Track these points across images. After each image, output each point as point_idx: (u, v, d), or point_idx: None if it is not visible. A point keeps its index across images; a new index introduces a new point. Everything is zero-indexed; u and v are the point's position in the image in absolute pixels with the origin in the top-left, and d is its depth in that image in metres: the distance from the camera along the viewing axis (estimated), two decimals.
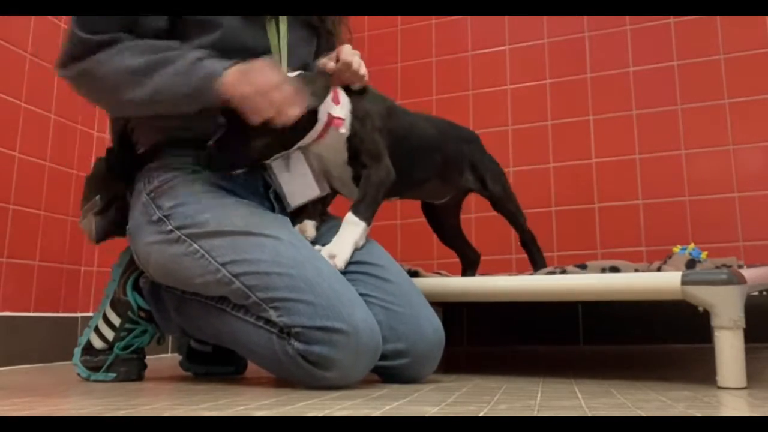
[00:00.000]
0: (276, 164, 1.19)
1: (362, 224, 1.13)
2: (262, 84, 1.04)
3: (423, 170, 1.35)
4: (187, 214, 1.11)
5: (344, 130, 1.15)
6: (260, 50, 1.19)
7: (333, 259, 1.09)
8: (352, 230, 1.13)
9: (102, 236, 1.24)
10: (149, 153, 1.21)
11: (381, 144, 1.19)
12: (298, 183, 1.19)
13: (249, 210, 1.13)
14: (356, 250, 1.13)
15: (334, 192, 1.29)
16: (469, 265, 1.59)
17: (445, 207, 1.52)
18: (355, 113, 1.17)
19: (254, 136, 1.08)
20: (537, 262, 1.49)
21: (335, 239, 1.13)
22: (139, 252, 1.17)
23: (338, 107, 1.15)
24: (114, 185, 1.23)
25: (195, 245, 1.08)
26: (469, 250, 1.59)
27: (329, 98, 1.14)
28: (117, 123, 1.26)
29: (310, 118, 1.11)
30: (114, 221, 1.23)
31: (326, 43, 1.38)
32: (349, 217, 1.14)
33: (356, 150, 1.17)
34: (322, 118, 1.14)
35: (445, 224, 1.56)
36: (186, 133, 1.19)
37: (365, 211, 1.14)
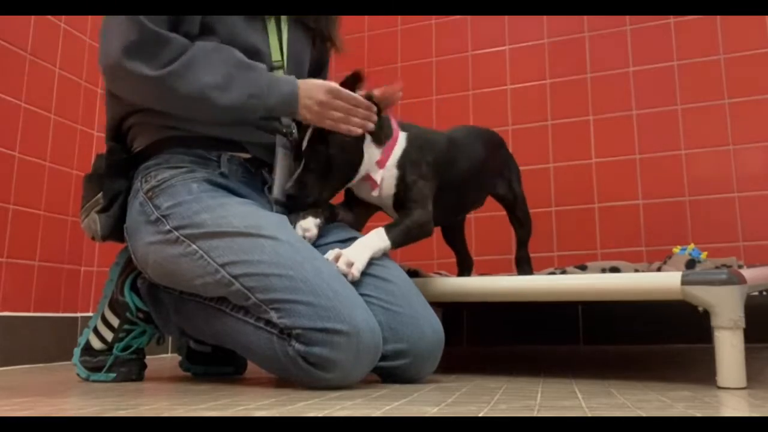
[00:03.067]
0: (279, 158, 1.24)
1: (387, 243, 1.13)
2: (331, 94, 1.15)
3: (475, 194, 1.40)
4: (185, 214, 1.11)
5: (376, 193, 1.20)
6: (262, 50, 1.22)
7: (350, 268, 1.07)
8: (376, 244, 1.12)
9: (108, 233, 1.22)
10: (146, 151, 1.21)
11: (427, 191, 1.21)
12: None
13: (247, 210, 1.12)
14: None
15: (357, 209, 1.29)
16: (465, 268, 1.60)
17: None
18: (403, 163, 1.19)
19: (322, 181, 1.16)
20: None
21: (357, 245, 1.11)
22: (137, 252, 1.17)
23: (380, 171, 1.19)
24: (115, 182, 1.22)
25: (194, 246, 1.08)
26: (466, 255, 1.60)
27: (374, 160, 1.18)
28: (111, 120, 1.26)
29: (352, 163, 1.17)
30: (118, 218, 1.22)
31: (321, 47, 1.38)
32: (381, 232, 1.14)
33: (401, 197, 1.19)
34: (361, 173, 1.18)
35: (455, 225, 1.57)
36: (187, 132, 1.19)
37: (397, 236, 1.15)
